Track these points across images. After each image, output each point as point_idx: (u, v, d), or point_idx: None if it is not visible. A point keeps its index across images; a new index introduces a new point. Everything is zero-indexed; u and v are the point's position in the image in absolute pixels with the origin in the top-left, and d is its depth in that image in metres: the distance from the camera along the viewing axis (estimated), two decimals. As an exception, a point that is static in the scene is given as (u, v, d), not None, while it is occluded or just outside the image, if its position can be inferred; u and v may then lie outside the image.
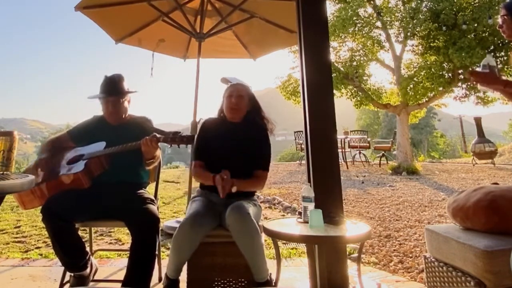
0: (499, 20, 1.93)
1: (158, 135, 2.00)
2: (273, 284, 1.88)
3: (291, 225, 1.88)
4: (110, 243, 3.47)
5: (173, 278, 1.95)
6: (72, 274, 2.04)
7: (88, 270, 2.05)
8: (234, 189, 1.93)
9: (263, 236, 2.04)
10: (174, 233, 1.88)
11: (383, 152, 10.74)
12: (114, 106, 2.24)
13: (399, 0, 10.57)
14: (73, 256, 1.97)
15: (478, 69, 1.85)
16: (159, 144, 2.02)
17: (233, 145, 2.14)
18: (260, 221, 2.08)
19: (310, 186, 1.92)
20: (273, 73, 13.29)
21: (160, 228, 2.06)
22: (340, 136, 10.00)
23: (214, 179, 1.96)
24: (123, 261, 2.74)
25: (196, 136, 2.14)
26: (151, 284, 1.99)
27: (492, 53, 8.90)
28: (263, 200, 5.50)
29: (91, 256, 2.12)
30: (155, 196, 2.32)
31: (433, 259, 1.81)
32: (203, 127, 2.30)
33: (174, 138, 1.96)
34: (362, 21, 10.20)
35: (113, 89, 2.24)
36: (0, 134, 1.45)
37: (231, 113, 2.18)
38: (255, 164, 2.13)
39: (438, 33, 9.23)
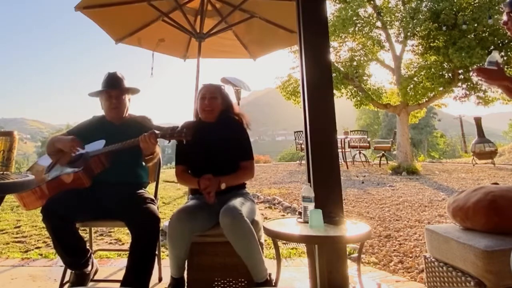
0: (504, 17, 1.94)
1: (156, 131, 2.00)
2: (273, 284, 1.88)
3: (291, 225, 1.88)
4: (110, 243, 3.47)
5: (176, 277, 1.95)
6: (73, 271, 2.04)
7: (89, 267, 2.06)
8: (223, 186, 1.99)
9: (263, 235, 2.04)
10: (167, 231, 1.90)
11: (383, 152, 10.74)
12: (118, 100, 2.25)
13: (399, 0, 10.57)
14: (74, 255, 1.97)
15: (485, 66, 1.86)
16: (159, 143, 2.02)
17: (213, 145, 2.15)
18: (255, 215, 2.08)
19: (310, 186, 1.92)
20: (273, 73, 13.29)
21: (160, 228, 2.06)
22: (340, 136, 10.00)
23: (199, 184, 2.01)
24: (123, 261, 2.73)
25: (176, 142, 2.13)
26: (151, 284, 1.99)
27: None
28: (263, 200, 5.50)
29: (92, 254, 2.12)
30: (155, 196, 2.33)
31: (433, 259, 1.81)
32: None
33: (173, 133, 1.95)
34: (362, 21, 10.20)
35: (116, 83, 2.27)
36: (0, 134, 1.46)
37: (205, 114, 2.21)
38: (238, 158, 2.17)
39: (438, 33, 9.23)
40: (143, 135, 1.99)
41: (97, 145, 2.16)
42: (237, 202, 1.94)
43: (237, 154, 2.17)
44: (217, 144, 2.16)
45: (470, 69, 8.76)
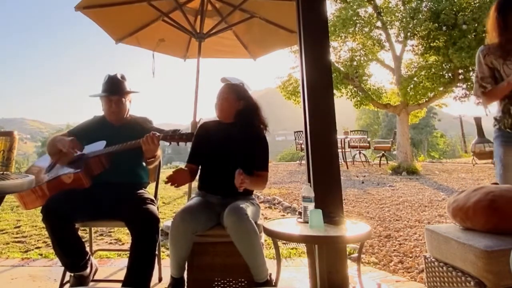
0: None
1: (157, 133, 2.01)
2: (273, 284, 1.88)
3: (291, 225, 1.88)
4: (110, 243, 3.47)
5: (176, 277, 1.95)
6: (72, 274, 2.04)
7: (88, 270, 2.05)
8: (246, 185, 1.89)
9: (263, 236, 2.04)
10: (169, 231, 1.90)
11: (383, 152, 10.74)
12: (117, 105, 2.24)
13: (399, 0, 10.57)
14: (73, 256, 1.97)
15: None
16: (159, 143, 2.02)
17: (229, 145, 2.14)
18: (258, 220, 2.08)
19: (310, 186, 1.92)
20: (273, 73, 13.32)
21: (160, 228, 2.06)
22: (340, 136, 10.00)
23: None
24: (123, 261, 2.74)
25: (192, 139, 2.11)
26: (151, 284, 1.99)
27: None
28: (263, 200, 5.50)
29: (91, 256, 2.12)
30: (155, 196, 2.33)
31: (433, 259, 1.81)
32: (199, 130, 2.31)
33: (174, 135, 1.96)
34: (362, 21, 10.20)
35: (116, 88, 2.25)
36: (0, 134, 1.45)
37: (217, 113, 2.22)
38: (254, 164, 2.13)
39: (438, 33, 9.23)
40: (145, 137, 1.99)
41: (98, 146, 2.17)
42: (241, 203, 1.94)
43: (253, 160, 2.12)
44: (233, 146, 2.13)
45: (471, 68, 8.74)
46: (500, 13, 2.00)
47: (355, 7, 9.91)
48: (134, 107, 2.40)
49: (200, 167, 2.22)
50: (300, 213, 1.93)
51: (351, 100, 10.67)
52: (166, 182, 1.93)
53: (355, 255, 2.69)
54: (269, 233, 1.78)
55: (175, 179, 1.94)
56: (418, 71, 9.89)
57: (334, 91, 4.60)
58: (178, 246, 1.90)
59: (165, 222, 3.82)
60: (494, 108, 2.17)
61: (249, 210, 1.93)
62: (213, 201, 2.09)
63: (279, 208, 5.03)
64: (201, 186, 2.20)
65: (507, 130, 2.06)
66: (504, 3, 2.00)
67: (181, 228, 1.87)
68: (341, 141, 10.01)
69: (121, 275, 2.04)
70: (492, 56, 2.04)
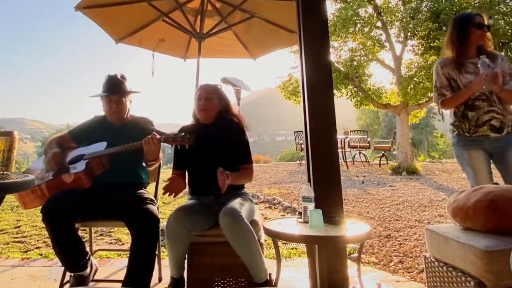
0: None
1: (159, 135, 2.00)
2: (273, 284, 1.88)
3: (291, 225, 1.88)
4: (110, 243, 3.47)
5: (176, 277, 1.96)
6: (72, 274, 2.04)
7: (88, 270, 2.05)
8: (229, 181, 1.93)
9: (263, 235, 2.04)
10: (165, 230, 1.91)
11: (383, 152, 10.75)
12: (118, 104, 2.24)
13: (399, 0, 10.57)
14: (73, 256, 1.97)
15: (485, 70, 2.03)
16: (161, 145, 2.02)
17: (212, 146, 2.15)
18: (255, 215, 2.08)
19: (310, 186, 1.92)
20: (273, 73, 13.30)
21: (160, 228, 2.07)
22: (340, 136, 10.00)
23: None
24: (123, 261, 2.74)
25: (174, 146, 2.09)
26: (151, 284, 1.99)
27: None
28: (263, 200, 5.50)
29: (91, 256, 2.12)
30: (155, 196, 2.33)
31: (433, 259, 1.81)
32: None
33: (176, 138, 1.95)
34: (363, 21, 10.21)
35: (116, 87, 2.25)
36: (0, 134, 1.45)
37: (201, 115, 2.21)
38: (238, 160, 2.16)
39: (438, 33, 9.23)
40: (146, 138, 1.99)
41: (99, 147, 2.16)
42: (236, 203, 1.94)
43: (236, 157, 2.16)
44: (216, 146, 2.15)
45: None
46: (455, 30, 2.23)
47: (355, 7, 9.91)
48: (134, 107, 2.40)
49: (187, 172, 2.23)
50: (300, 213, 1.93)
51: (351, 100, 10.67)
52: (163, 193, 1.96)
53: (355, 255, 2.69)
54: (269, 233, 1.78)
55: (172, 188, 1.97)
56: (418, 71, 9.89)
57: (334, 91, 4.60)
58: (174, 245, 1.91)
59: (165, 222, 3.82)
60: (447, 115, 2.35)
61: (244, 209, 1.93)
62: (208, 202, 2.10)
63: (279, 208, 5.03)
64: (193, 191, 2.22)
65: (465, 134, 2.24)
66: (458, 22, 2.24)
67: (175, 228, 1.89)
68: (341, 141, 10.01)
69: (121, 275, 2.04)
70: (449, 67, 2.26)
